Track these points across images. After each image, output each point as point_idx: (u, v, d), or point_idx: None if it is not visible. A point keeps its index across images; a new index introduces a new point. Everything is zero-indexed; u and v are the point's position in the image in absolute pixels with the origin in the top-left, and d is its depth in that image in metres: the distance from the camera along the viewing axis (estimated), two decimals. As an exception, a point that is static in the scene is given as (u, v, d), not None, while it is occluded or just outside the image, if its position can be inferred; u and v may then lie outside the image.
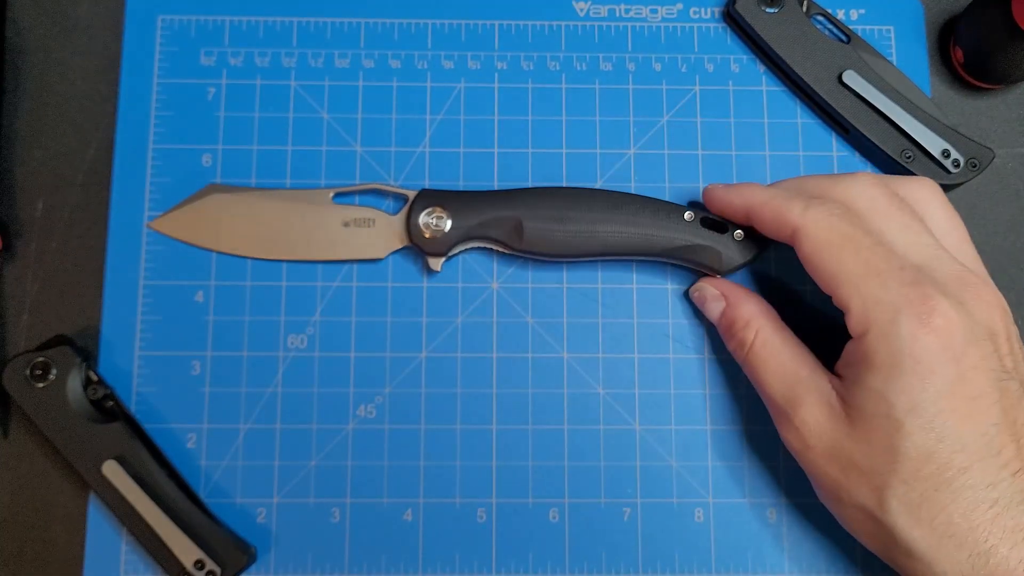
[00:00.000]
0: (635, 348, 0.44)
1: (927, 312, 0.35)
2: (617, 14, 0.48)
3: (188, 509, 0.41)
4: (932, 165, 0.45)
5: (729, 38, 0.48)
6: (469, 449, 0.43)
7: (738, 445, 0.44)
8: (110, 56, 0.47)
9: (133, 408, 0.43)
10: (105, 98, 0.46)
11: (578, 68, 0.47)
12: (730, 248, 0.43)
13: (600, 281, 0.45)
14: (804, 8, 0.46)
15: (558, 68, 0.47)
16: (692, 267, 0.44)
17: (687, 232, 0.43)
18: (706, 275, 0.44)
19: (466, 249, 0.45)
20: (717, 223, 0.43)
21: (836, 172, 0.46)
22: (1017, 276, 0.46)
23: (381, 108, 0.46)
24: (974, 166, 0.45)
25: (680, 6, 0.48)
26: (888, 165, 0.46)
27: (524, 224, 0.43)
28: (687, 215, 0.43)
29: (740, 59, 0.47)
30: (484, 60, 0.47)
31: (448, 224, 0.43)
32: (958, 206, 0.46)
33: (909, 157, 0.45)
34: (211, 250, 0.45)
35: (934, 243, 0.37)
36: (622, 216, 0.43)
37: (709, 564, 0.43)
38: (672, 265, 0.45)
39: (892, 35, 0.48)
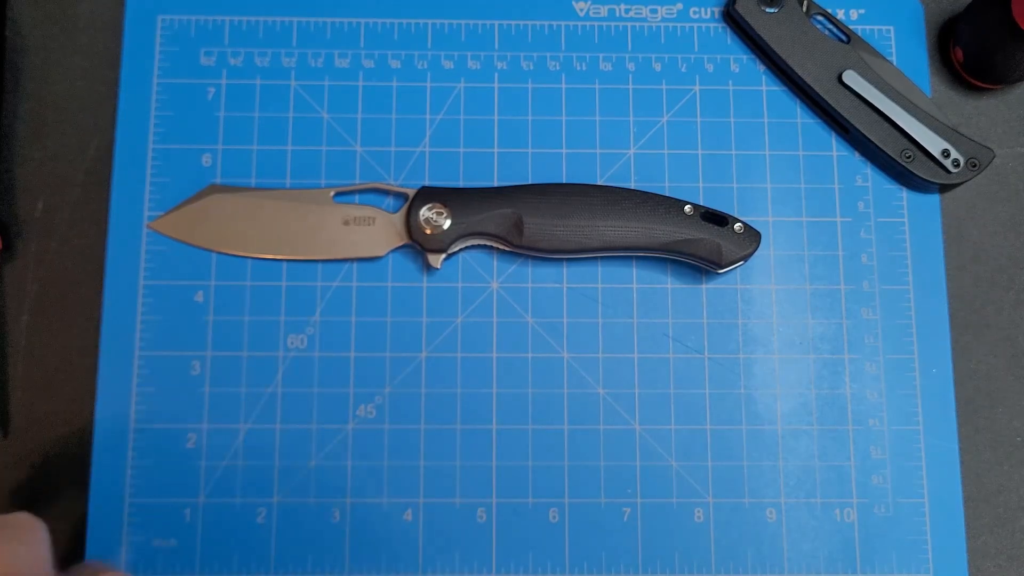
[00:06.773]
0: (635, 348, 0.44)
1: None
2: (617, 14, 0.48)
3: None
4: (932, 165, 0.45)
5: (729, 38, 0.48)
6: (469, 449, 0.43)
7: (738, 445, 0.44)
8: (110, 56, 0.47)
9: (133, 408, 0.43)
10: (105, 98, 0.46)
11: (578, 68, 0.47)
12: (730, 241, 0.43)
13: (600, 280, 0.45)
14: (804, 8, 0.46)
15: (558, 68, 0.47)
16: (693, 262, 0.44)
17: (688, 226, 0.43)
18: (707, 271, 0.44)
19: (466, 247, 0.45)
20: (717, 216, 0.43)
21: (836, 172, 0.46)
22: (1017, 276, 0.46)
23: (381, 108, 0.46)
24: (974, 166, 0.45)
25: (680, 6, 0.48)
26: (888, 165, 0.46)
27: (524, 220, 0.43)
28: (687, 208, 0.43)
29: (740, 59, 0.47)
30: (484, 60, 0.47)
31: (448, 221, 0.43)
32: (958, 206, 0.47)
33: (909, 157, 0.45)
34: (211, 250, 0.45)
35: None
36: (622, 211, 0.43)
37: (709, 564, 0.43)
38: (672, 262, 0.45)
39: (892, 35, 0.48)
